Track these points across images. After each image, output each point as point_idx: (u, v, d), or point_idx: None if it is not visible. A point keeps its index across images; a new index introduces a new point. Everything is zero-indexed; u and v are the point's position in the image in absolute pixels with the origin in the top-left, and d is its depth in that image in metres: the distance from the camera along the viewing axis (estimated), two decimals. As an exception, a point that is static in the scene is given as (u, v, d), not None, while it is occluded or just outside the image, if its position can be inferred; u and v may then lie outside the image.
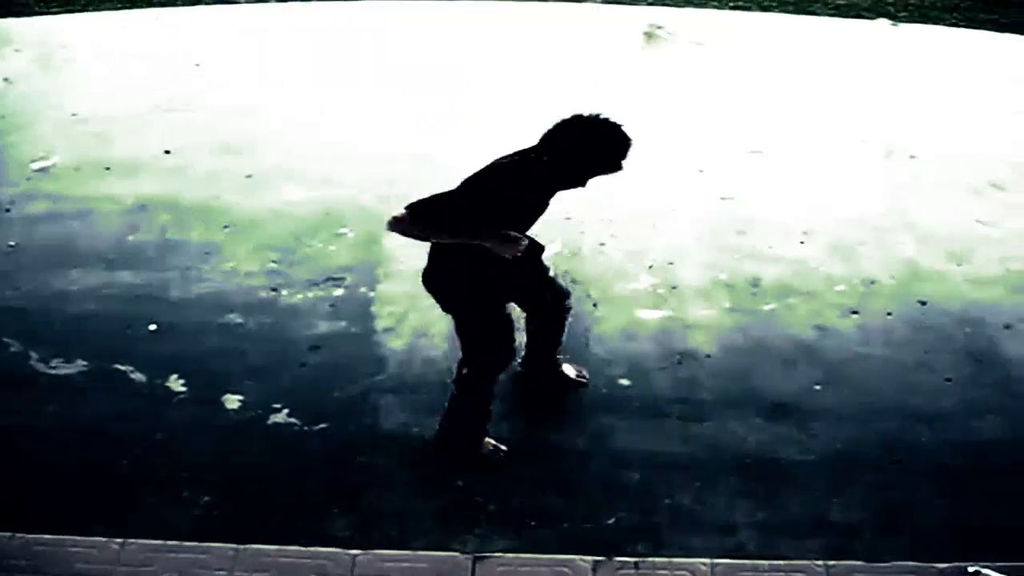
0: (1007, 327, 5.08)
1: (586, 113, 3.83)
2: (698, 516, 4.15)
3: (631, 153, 3.90)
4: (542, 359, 4.62)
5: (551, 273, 4.45)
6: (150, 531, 3.97)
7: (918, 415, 4.60)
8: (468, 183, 3.92)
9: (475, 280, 4.02)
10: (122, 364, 4.75)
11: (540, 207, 4.04)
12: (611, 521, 4.13)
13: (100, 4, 7.62)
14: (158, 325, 4.97)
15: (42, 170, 6.00)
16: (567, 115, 3.84)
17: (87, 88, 6.74)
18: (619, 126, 3.85)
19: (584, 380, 4.71)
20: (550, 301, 4.45)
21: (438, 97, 6.70)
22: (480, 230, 3.87)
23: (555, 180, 3.92)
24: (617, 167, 3.92)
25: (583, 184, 3.96)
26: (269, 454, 4.37)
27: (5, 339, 4.84)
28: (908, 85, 7.00)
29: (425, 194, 3.94)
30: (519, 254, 3.91)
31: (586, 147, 3.82)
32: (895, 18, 7.71)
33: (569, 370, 4.70)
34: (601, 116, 3.84)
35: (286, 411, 4.55)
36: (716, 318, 5.11)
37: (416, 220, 3.86)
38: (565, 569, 3.87)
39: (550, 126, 3.85)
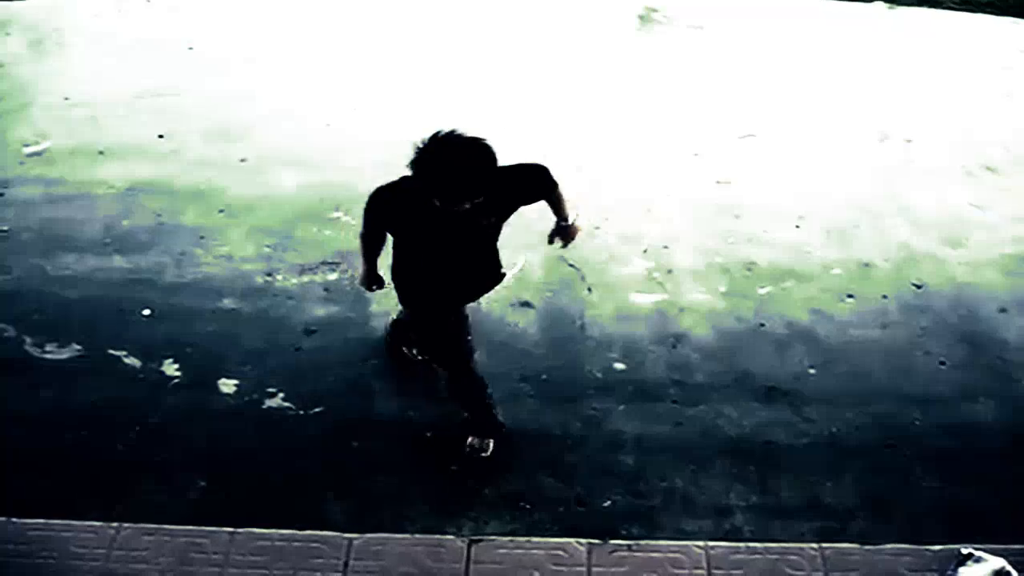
0: (1002, 310, 5.09)
1: (437, 136, 3.52)
2: (693, 499, 4.16)
3: (447, 192, 3.50)
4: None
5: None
6: (146, 515, 3.97)
7: (912, 399, 4.61)
8: (396, 180, 3.84)
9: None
10: (116, 349, 4.74)
11: (436, 231, 3.76)
12: (606, 504, 4.14)
13: (92, -13, 7.59)
14: (152, 310, 4.97)
15: (35, 154, 5.98)
16: (423, 140, 3.54)
17: (80, 72, 6.70)
18: (443, 156, 3.47)
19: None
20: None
21: (433, 81, 6.68)
22: (365, 253, 4.11)
23: (427, 205, 3.63)
24: (436, 196, 3.53)
25: (438, 205, 3.58)
26: (264, 438, 4.37)
27: (-1, 324, 4.85)
28: (904, 68, 6.99)
29: None
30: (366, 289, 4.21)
31: (416, 165, 3.53)
32: (893, 0, 7.69)
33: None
34: (453, 139, 3.51)
35: (281, 395, 4.55)
36: (711, 302, 5.11)
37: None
38: (560, 552, 3.88)
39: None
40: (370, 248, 4.11)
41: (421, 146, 3.52)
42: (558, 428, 4.45)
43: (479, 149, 3.52)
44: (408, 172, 3.57)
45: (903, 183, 5.94)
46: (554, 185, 4.02)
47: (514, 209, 3.94)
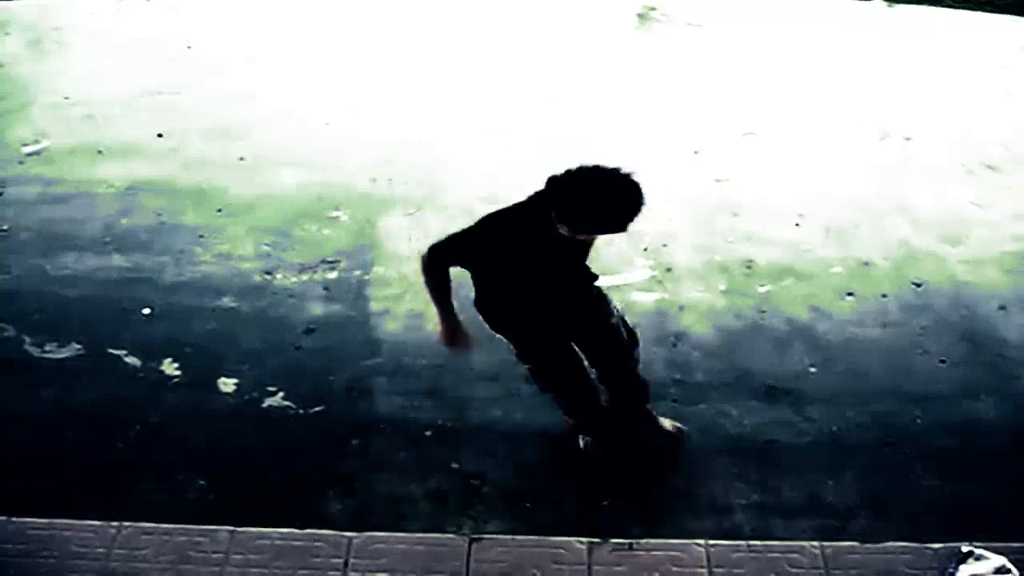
0: (1001, 308, 5.09)
1: (585, 166, 3.50)
2: (693, 498, 4.16)
3: (632, 216, 3.51)
4: (620, 408, 4.32)
5: (613, 321, 4.09)
6: (146, 515, 3.96)
7: (912, 397, 4.61)
8: (478, 227, 3.70)
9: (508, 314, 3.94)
10: (116, 348, 4.74)
11: (545, 262, 3.72)
12: (606, 503, 4.13)
13: (91, -14, 7.58)
14: (152, 309, 4.96)
15: (34, 153, 5.98)
16: (571, 168, 3.51)
17: (79, 71, 6.70)
18: (622, 185, 3.48)
19: (680, 434, 4.36)
20: (604, 351, 4.14)
21: (432, 81, 6.68)
22: (440, 303, 3.86)
23: (545, 234, 3.61)
24: (617, 228, 3.54)
25: (582, 240, 3.66)
26: (264, 437, 4.37)
27: (-2, 323, 4.84)
28: (904, 66, 6.99)
29: (440, 235, 3.82)
30: (449, 348, 3.99)
31: (575, 203, 3.48)
32: (891, -2, 7.70)
33: (665, 423, 4.36)
34: (603, 170, 3.49)
35: (281, 394, 4.55)
36: (711, 300, 5.10)
37: (423, 263, 3.77)
38: (560, 551, 3.88)
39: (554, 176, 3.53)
40: (443, 291, 3.84)
41: (575, 174, 3.48)
42: (558, 427, 4.44)
43: (634, 189, 3.51)
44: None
45: (903, 181, 5.94)
46: None
47: None
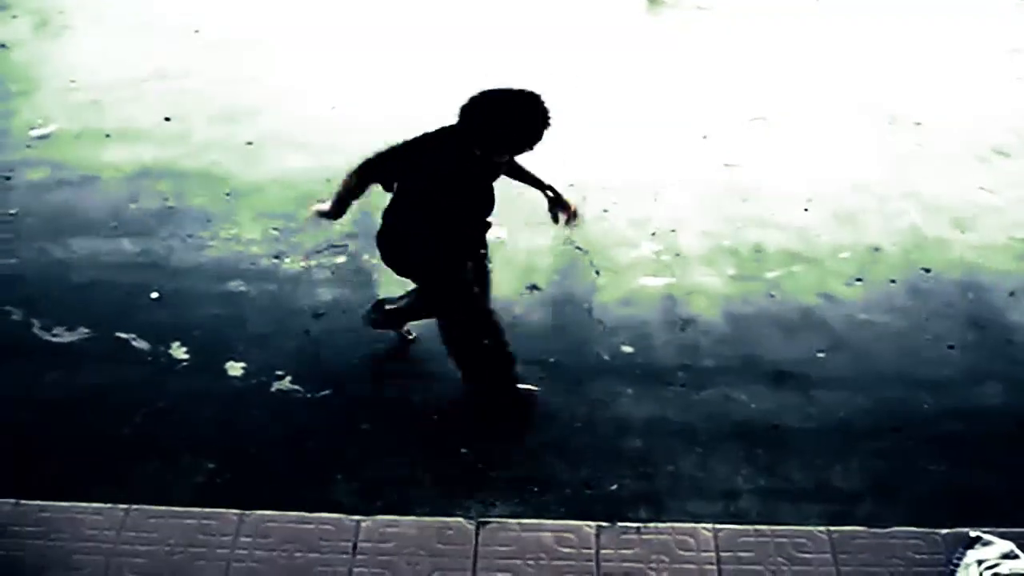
0: (1011, 294, 5.07)
1: (494, 88, 3.79)
2: (700, 482, 4.16)
3: (543, 131, 3.78)
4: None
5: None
6: (154, 498, 3.97)
7: (920, 382, 4.60)
8: (405, 144, 3.98)
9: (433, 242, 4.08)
10: (124, 332, 4.74)
11: (463, 184, 3.95)
12: (614, 487, 4.13)
13: (98, -31, 7.56)
14: (160, 293, 4.97)
15: (41, 137, 5.98)
16: (477, 91, 3.80)
17: (86, 55, 6.69)
18: (524, 103, 3.75)
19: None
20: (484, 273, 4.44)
21: (440, 62, 6.66)
22: (341, 200, 4.19)
23: (466, 156, 3.88)
24: (526, 145, 3.83)
25: (498, 162, 3.95)
26: (272, 421, 4.37)
27: (7, 307, 4.84)
28: (913, 51, 6.95)
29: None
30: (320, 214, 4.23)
31: (488, 123, 3.77)
32: (901, -17, 7.65)
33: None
34: (511, 90, 3.77)
35: (289, 378, 4.55)
36: (719, 285, 5.10)
37: (352, 172, 4.08)
38: (568, 535, 3.88)
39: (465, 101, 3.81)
40: (352, 195, 4.17)
41: (481, 99, 3.76)
42: (566, 411, 4.44)
43: (535, 104, 3.75)
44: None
45: (912, 167, 5.92)
46: None
47: None
